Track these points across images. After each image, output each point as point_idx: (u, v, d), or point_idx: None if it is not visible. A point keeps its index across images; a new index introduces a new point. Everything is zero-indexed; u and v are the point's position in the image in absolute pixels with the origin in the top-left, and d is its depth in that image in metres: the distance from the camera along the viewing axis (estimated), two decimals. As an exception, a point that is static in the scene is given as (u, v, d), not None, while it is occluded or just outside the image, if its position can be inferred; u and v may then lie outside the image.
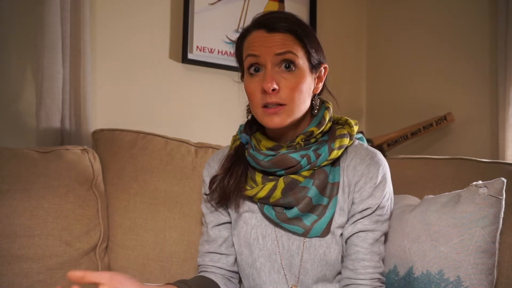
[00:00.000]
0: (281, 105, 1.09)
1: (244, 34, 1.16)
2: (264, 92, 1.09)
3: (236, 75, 1.26)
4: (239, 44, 1.18)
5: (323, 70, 1.18)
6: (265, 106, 1.10)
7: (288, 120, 1.11)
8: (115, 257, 1.48)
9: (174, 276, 1.47)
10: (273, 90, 1.08)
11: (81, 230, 1.42)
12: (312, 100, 1.17)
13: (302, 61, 1.11)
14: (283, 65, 1.10)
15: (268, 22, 1.11)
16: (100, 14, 1.81)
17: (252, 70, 1.12)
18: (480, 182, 1.16)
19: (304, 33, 1.12)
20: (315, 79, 1.17)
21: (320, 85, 1.19)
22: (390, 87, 2.34)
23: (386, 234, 1.20)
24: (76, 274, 0.93)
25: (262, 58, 1.10)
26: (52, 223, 1.36)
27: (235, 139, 1.27)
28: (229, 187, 1.18)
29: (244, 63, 1.14)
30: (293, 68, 1.10)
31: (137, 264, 1.47)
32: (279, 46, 1.09)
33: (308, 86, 1.13)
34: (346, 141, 1.16)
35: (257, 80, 1.11)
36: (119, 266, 1.48)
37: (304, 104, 1.13)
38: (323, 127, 1.16)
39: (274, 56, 1.09)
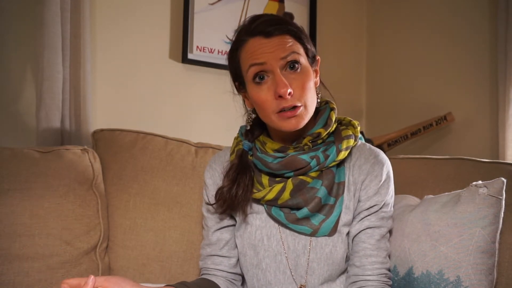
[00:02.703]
0: (295, 106, 1.08)
1: (237, 46, 1.13)
2: (280, 97, 1.07)
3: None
4: (233, 56, 1.15)
5: (317, 62, 1.19)
6: (281, 110, 1.08)
7: (305, 121, 1.11)
8: (115, 257, 1.48)
9: (174, 276, 1.47)
10: (289, 93, 1.06)
11: (81, 229, 1.42)
12: (316, 94, 1.17)
13: (303, 58, 1.12)
14: (289, 66, 1.09)
15: (262, 28, 1.09)
16: (100, 14, 1.81)
17: (257, 79, 1.10)
18: (480, 182, 1.16)
19: (297, 30, 1.13)
20: (314, 72, 1.16)
21: (318, 77, 1.19)
22: (390, 87, 2.34)
23: (391, 231, 1.21)
24: (71, 282, 0.93)
25: (268, 64, 1.08)
26: (52, 222, 1.36)
27: (237, 141, 1.25)
28: (237, 198, 1.17)
29: (248, 73, 1.11)
30: (299, 68, 1.10)
31: (137, 264, 1.48)
32: (283, 49, 1.08)
33: (313, 82, 1.14)
34: (352, 142, 1.16)
35: (266, 87, 1.09)
36: (119, 266, 1.48)
37: (314, 101, 1.13)
38: (330, 129, 1.16)
39: (280, 60, 1.08)
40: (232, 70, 1.18)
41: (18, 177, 1.37)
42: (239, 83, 1.18)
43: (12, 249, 1.30)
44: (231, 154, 1.24)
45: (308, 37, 1.17)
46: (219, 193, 1.20)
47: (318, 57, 1.19)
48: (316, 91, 1.17)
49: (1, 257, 1.28)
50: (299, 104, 1.08)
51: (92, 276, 0.94)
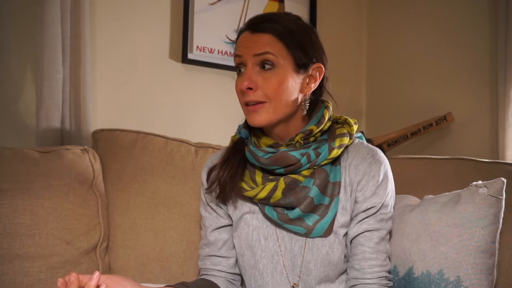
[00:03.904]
0: (260, 103, 1.10)
1: (237, 35, 1.18)
2: (242, 91, 1.11)
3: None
4: (235, 45, 1.20)
5: (316, 70, 1.15)
6: (247, 104, 1.12)
7: (270, 118, 1.11)
8: (115, 257, 1.48)
9: (174, 276, 1.47)
10: (249, 89, 1.10)
11: (81, 229, 1.42)
12: (304, 100, 1.16)
13: (283, 60, 1.10)
14: (261, 64, 1.11)
15: (252, 23, 1.13)
16: (100, 14, 1.81)
17: (237, 70, 1.15)
18: (480, 182, 1.16)
19: (287, 32, 1.11)
20: (305, 78, 1.14)
21: (313, 85, 1.15)
22: (390, 87, 2.34)
23: (390, 232, 1.20)
24: (76, 276, 0.94)
25: (244, 58, 1.12)
26: (52, 222, 1.36)
27: (233, 139, 1.25)
28: (223, 178, 1.17)
29: (234, 63, 1.16)
30: (272, 68, 1.10)
31: (137, 264, 1.48)
32: (258, 47, 1.10)
33: (293, 85, 1.12)
34: (346, 140, 1.15)
35: (240, 80, 1.13)
36: (119, 266, 1.48)
37: (287, 102, 1.11)
38: (322, 126, 1.15)
39: (253, 57, 1.11)
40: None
41: (18, 177, 1.37)
42: None
43: (12, 248, 1.30)
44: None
45: (307, 41, 1.14)
46: (211, 172, 1.22)
47: (318, 65, 1.15)
48: (306, 98, 1.15)
49: (1, 256, 1.28)
50: (262, 101, 1.10)
51: (98, 272, 0.96)
